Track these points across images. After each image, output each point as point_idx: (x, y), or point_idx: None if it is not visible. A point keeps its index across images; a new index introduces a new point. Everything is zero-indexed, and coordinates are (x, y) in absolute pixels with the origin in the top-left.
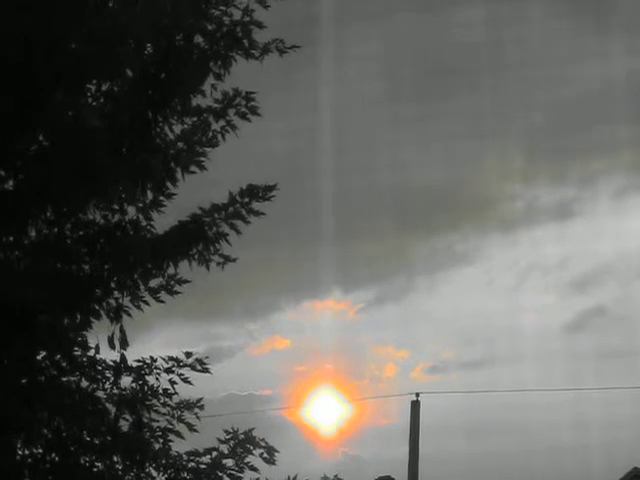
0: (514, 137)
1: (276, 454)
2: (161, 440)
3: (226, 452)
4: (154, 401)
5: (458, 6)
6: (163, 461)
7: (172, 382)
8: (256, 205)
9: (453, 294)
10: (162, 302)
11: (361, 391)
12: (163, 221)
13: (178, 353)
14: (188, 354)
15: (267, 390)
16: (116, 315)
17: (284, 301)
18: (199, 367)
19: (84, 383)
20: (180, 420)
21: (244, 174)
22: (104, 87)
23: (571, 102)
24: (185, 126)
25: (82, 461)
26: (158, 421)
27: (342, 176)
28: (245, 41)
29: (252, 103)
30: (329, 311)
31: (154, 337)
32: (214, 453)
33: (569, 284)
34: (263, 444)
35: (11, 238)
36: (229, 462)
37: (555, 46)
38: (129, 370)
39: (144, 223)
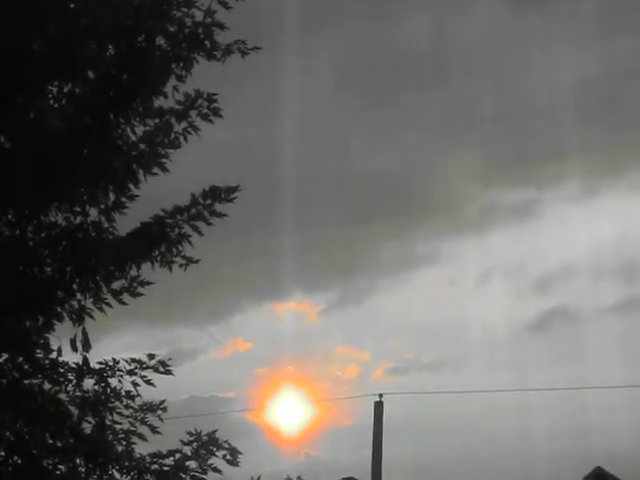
0: (475, 141)
1: (239, 456)
2: (124, 442)
3: (189, 454)
4: (117, 403)
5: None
6: (126, 463)
7: (135, 384)
8: (218, 207)
9: (414, 295)
10: (125, 304)
11: (323, 392)
12: (125, 223)
13: (140, 355)
14: (151, 356)
15: (229, 392)
16: (78, 317)
17: (245, 303)
18: (162, 369)
19: (46, 385)
20: (143, 422)
21: (204, 168)
22: (65, 89)
23: (522, 108)
24: (147, 127)
25: (45, 464)
26: (121, 423)
27: (305, 177)
28: (207, 42)
29: (214, 104)
30: (291, 312)
31: (116, 339)
32: (177, 455)
33: (529, 285)
34: (226, 446)
35: None
36: (192, 464)
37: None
38: (91, 372)
39: (106, 225)
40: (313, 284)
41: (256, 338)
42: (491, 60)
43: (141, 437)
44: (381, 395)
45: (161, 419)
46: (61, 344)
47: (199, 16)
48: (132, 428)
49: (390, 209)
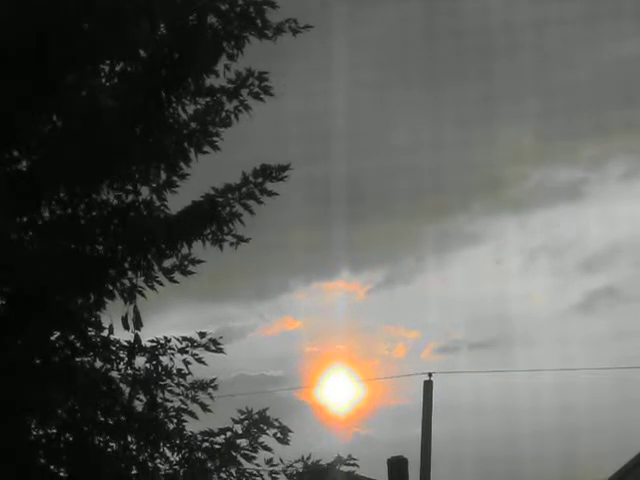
0: (525, 118)
1: (289, 434)
2: (175, 420)
3: (240, 432)
4: (168, 381)
5: None
6: (177, 441)
7: (186, 362)
8: (269, 185)
9: (462, 275)
10: (176, 282)
11: (372, 371)
12: (176, 201)
13: (189, 333)
14: (202, 334)
15: (278, 371)
16: (130, 295)
17: (293, 282)
18: (213, 347)
19: (98, 363)
20: (194, 400)
21: (257, 155)
22: (117, 67)
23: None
24: (198, 106)
25: (96, 441)
26: (172, 401)
27: (353, 158)
28: (258, 21)
29: (265, 83)
30: (339, 292)
31: (166, 317)
32: (228, 433)
33: (578, 265)
34: (277, 424)
35: (25, 219)
36: (243, 442)
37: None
38: (143, 350)
39: (157, 203)
40: (361, 263)
41: (305, 317)
42: (534, 36)
43: (192, 415)
44: (430, 374)
45: (212, 397)
46: (112, 322)
47: None
48: (183, 406)
49: (438, 188)
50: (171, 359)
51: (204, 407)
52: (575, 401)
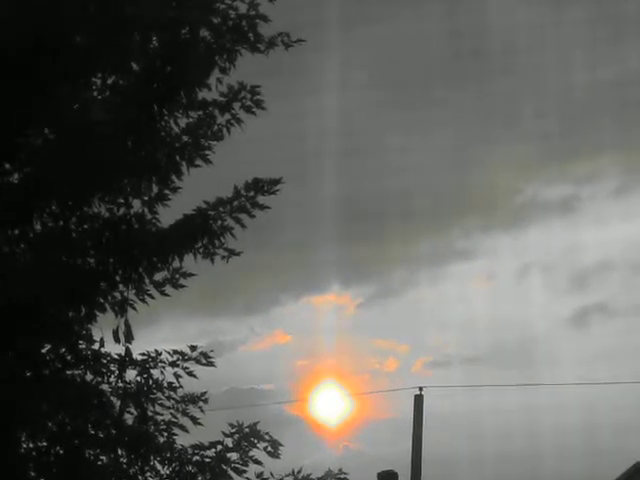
0: (518, 134)
1: (280, 448)
2: (165, 433)
3: (231, 446)
4: (158, 394)
5: None
6: (168, 454)
7: (177, 375)
8: (261, 199)
9: (454, 289)
10: (167, 295)
11: (362, 385)
12: (168, 215)
13: (180, 346)
14: (193, 347)
15: (269, 384)
16: (121, 308)
17: (284, 296)
18: (204, 361)
19: (89, 376)
20: (184, 413)
21: (248, 169)
22: (110, 80)
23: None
24: (190, 120)
25: (86, 454)
26: (162, 414)
27: (345, 172)
28: (251, 35)
29: (257, 97)
30: (329, 305)
31: (158, 331)
32: (219, 447)
33: (567, 281)
34: (267, 438)
35: (16, 231)
36: (234, 456)
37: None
38: (134, 363)
39: (149, 216)
40: (351, 277)
41: (295, 331)
42: (530, 57)
43: (182, 428)
44: (421, 388)
45: (202, 410)
46: (103, 335)
47: (243, 8)
48: (174, 419)
49: (429, 203)
50: (162, 372)
51: (195, 420)
52: (567, 417)
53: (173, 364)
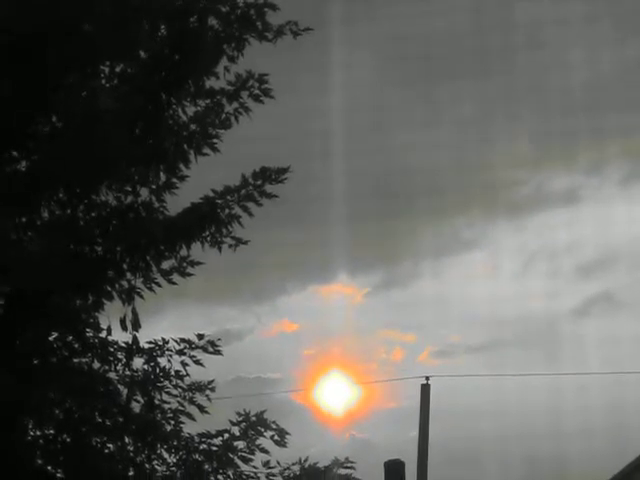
0: (523, 122)
1: (287, 436)
2: (172, 422)
3: (237, 434)
4: (165, 383)
5: None
6: (174, 442)
7: (184, 364)
8: (268, 187)
9: (459, 279)
10: (174, 284)
11: (369, 374)
12: (176, 203)
13: (187, 335)
14: (200, 336)
15: (276, 373)
16: (128, 297)
17: (290, 285)
18: (211, 349)
19: (96, 364)
20: (191, 402)
21: (255, 156)
22: (118, 69)
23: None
24: (198, 108)
25: (93, 442)
26: (169, 403)
27: (351, 158)
28: (259, 23)
29: (265, 85)
30: (336, 295)
31: (165, 319)
32: (225, 435)
33: (576, 270)
34: (274, 426)
35: (24, 219)
36: (240, 444)
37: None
38: (141, 352)
39: (157, 205)
40: (358, 267)
41: (302, 320)
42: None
43: (189, 416)
44: (428, 377)
45: (209, 399)
46: (111, 323)
47: None
48: (180, 408)
49: (435, 192)
50: (169, 360)
51: (201, 409)
52: (570, 404)
53: (180, 352)
